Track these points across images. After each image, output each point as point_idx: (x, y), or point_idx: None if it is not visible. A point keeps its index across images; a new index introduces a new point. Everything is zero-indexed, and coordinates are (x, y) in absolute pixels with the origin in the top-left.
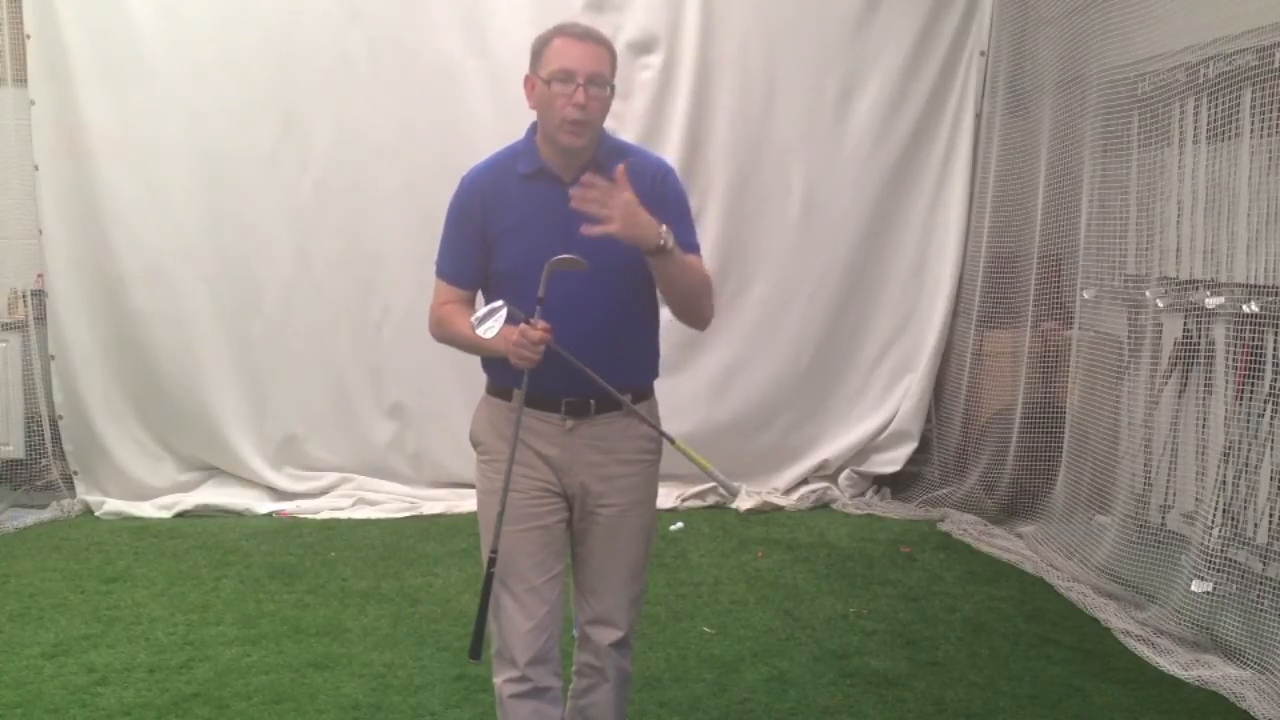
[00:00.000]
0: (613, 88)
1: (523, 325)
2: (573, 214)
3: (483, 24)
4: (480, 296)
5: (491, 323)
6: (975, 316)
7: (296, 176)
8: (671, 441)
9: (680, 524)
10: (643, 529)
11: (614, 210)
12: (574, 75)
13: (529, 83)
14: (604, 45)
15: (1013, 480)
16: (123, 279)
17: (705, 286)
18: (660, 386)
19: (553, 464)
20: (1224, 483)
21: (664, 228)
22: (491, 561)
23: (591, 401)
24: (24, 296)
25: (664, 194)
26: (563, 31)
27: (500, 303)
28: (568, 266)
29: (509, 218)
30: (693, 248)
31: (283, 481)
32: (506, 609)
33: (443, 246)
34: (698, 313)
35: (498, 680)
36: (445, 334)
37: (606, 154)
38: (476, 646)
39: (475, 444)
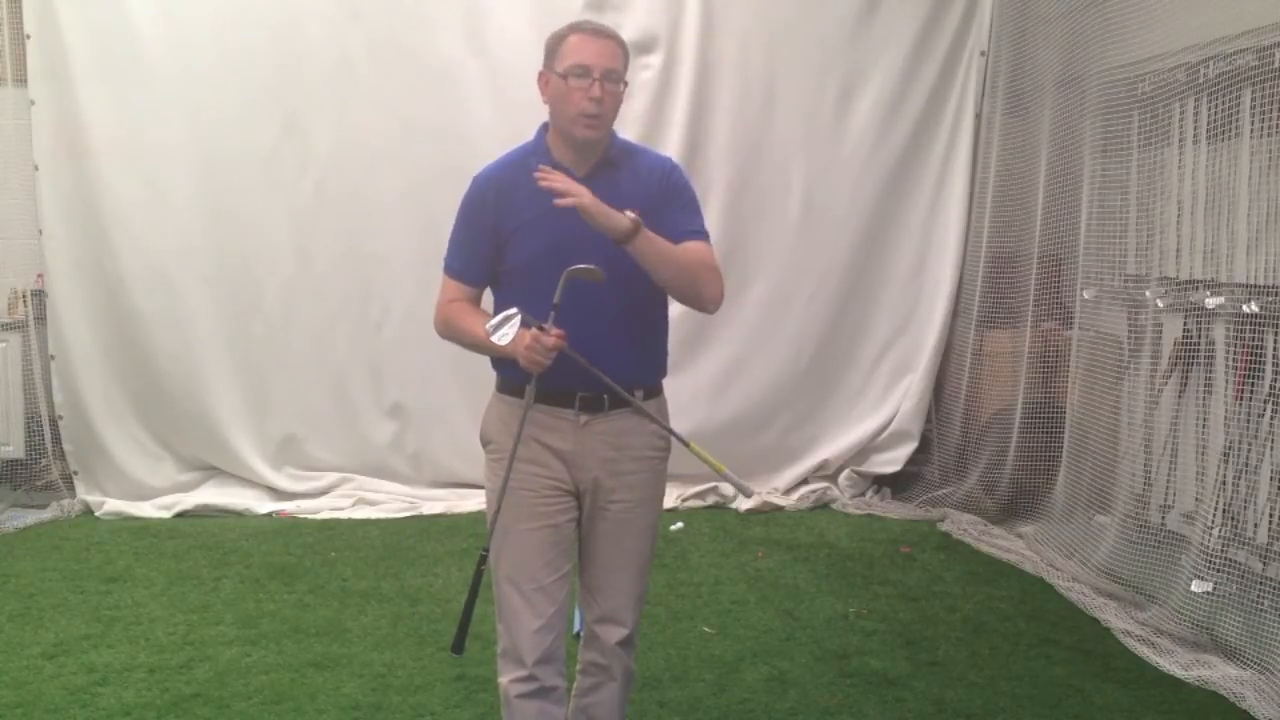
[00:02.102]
0: (625, 84)
1: (535, 330)
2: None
3: (482, 24)
4: (489, 293)
5: (506, 329)
6: (975, 316)
7: (296, 177)
8: (686, 444)
9: (680, 524)
10: (649, 526)
11: (575, 191)
12: (590, 70)
13: (543, 78)
14: (618, 42)
15: (1013, 480)
16: (123, 279)
17: (700, 268)
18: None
19: (566, 459)
20: (1224, 483)
21: (629, 213)
22: (482, 559)
23: (605, 397)
24: (24, 296)
25: (671, 189)
26: (578, 28)
27: (515, 310)
28: (585, 276)
29: (523, 214)
30: (697, 234)
31: (283, 481)
32: (515, 608)
33: (452, 244)
34: (696, 294)
35: (504, 680)
36: (451, 331)
37: (617, 152)
38: (460, 640)
39: (485, 442)
